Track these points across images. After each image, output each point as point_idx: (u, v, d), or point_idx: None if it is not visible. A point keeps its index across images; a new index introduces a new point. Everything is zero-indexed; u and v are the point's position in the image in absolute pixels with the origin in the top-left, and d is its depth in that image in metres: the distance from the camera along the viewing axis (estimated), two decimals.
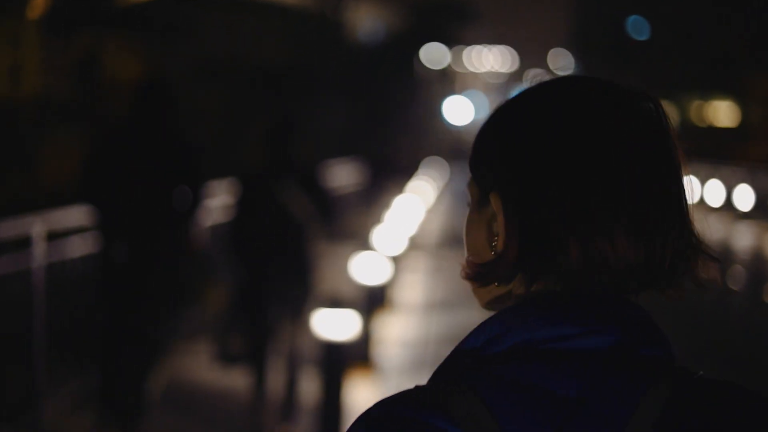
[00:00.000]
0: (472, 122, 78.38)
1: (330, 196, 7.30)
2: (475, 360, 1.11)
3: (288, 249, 6.58)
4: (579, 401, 1.06)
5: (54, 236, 7.01)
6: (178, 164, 5.98)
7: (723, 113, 69.76)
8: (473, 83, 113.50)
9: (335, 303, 5.87)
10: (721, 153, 50.93)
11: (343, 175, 22.28)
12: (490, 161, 1.17)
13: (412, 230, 15.61)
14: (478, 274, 1.17)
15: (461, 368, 1.11)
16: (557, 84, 1.17)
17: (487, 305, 1.20)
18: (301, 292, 6.65)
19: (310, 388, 6.92)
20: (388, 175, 29.08)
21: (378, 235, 11.28)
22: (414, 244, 16.11)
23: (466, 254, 1.20)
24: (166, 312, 5.99)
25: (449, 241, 19.67)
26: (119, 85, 25.58)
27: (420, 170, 36.72)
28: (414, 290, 12.71)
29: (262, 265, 6.45)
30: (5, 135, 20.96)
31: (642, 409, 1.06)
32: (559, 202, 1.10)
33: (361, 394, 7.55)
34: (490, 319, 1.14)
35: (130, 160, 5.88)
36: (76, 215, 7.18)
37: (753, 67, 61.99)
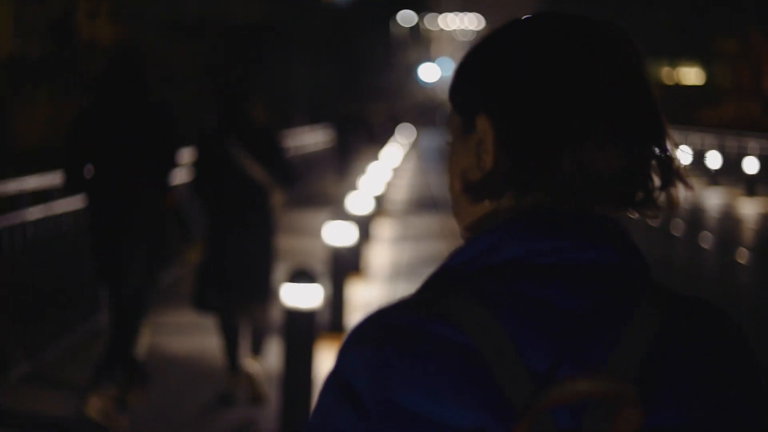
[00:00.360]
0: (441, 80, 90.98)
1: (290, 161, 7.19)
2: (468, 274, 1.13)
3: (246, 211, 6.58)
4: (578, 315, 1.09)
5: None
6: (156, 125, 6.10)
7: (691, 78, 70.09)
8: (445, 48, 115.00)
9: (302, 274, 5.77)
10: (690, 117, 51.31)
11: (313, 139, 22.43)
12: (476, 84, 1.19)
13: (379, 191, 15.69)
14: (472, 189, 1.18)
15: (457, 281, 1.12)
16: (538, 14, 1.22)
17: (468, 228, 1.21)
18: (262, 256, 6.65)
19: (275, 358, 6.86)
20: (361, 139, 29.00)
21: (349, 199, 11.52)
22: (381, 205, 16.21)
23: (451, 185, 1.23)
24: (152, 270, 6.16)
25: (418, 202, 19.93)
26: (93, 45, 25.54)
27: (395, 135, 36.99)
28: (384, 255, 12.79)
29: (225, 226, 6.51)
30: None
31: (636, 325, 1.10)
32: (548, 113, 1.14)
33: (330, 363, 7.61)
34: (481, 234, 1.15)
35: (110, 124, 6.02)
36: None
37: (719, 30, 62.24)
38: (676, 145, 1.21)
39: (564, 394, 1.02)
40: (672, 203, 1.20)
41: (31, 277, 7.33)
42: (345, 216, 9.26)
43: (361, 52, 42.26)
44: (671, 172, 1.19)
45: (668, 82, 69.87)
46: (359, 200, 11.55)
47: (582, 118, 1.14)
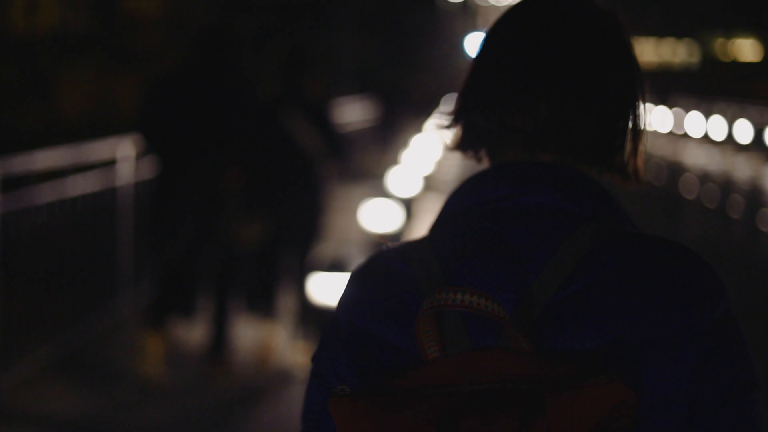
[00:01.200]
0: None
1: (341, 135, 7.24)
2: (446, 216, 1.37)
3: (298, 183, 6.66)
4: (509, 249, 1.27)
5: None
6: (239, 102, 6.19)
7: (746, 50, 68.83)
8: (492, 20, 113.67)
9: (336, 266, 5.67)
10: (746, 91, 50.25)
11: (357, 112, 21.92)
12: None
13: (428, 170, 15.10)
14: (453, 144, 1.43)
15: (437, 223, 1.38)
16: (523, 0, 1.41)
17: None
18: (310, 230, 6.75)
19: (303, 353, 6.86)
20: (405, 112, 28.73)
21: (393, 177, 11.00)
22: (429, 185, 15.90)
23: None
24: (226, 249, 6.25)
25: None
26: (138, 19, 25.44)
27: (441, 106, 36.47)
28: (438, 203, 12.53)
29: (273, 202, 6.54)
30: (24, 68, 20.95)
31: (561, 251, 1.25)
32: (496, 72, 1.35)
33: None
34: (457, 186, 1.40)
35: (191, 98, 6.12)
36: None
37: None
38: (636, 116, 1.35)
39: (446, 300, 1.17)
40: (635, 174, 1.36)
41: (71, 252, 7.30)
42: (388, 193, 8.81)
43: (407, 23, 41.84)
44: (636, 142, 1.35)
45: (723, 56, 68.86)
46: (403, 176, 10.95)
47: (510, 85, 1.31)
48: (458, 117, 1.41)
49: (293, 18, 28.97)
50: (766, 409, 1.24)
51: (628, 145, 1.37)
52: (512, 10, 1.39)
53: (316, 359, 1.38)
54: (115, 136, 7.62)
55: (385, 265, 1.34)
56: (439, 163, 19.24)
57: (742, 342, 1.22)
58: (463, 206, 1.35)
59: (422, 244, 1.33)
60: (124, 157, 7.71)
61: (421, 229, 12.43)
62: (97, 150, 7.52)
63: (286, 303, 7.33)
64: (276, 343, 6.72)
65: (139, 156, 7.65)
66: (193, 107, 6.11)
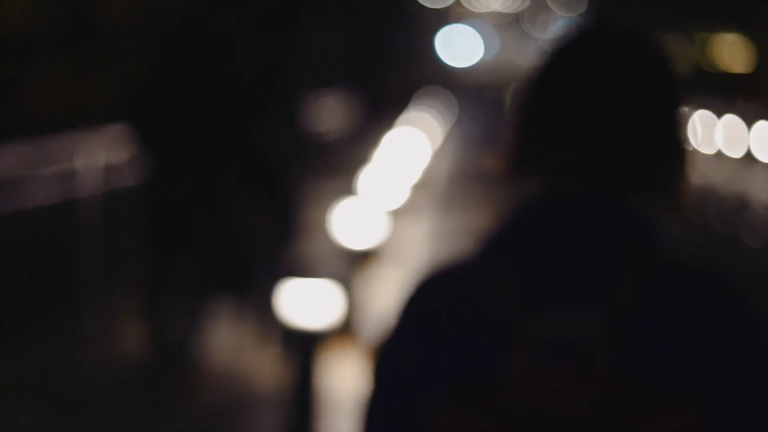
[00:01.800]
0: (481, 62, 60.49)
1: (316, 132, 7.38)
2: (501, 240, 1.43)
3: (265, 188, 6.74)
4: (575, 273, 1.37)
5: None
6: (225, 97, 6.27)
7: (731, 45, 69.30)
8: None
9: (306, 272, 5.41)
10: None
11: (330, 110, 21.48)
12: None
13: (414, 176, 13.69)
14: (502, 172, 1.48)
15: (493, 246, 1.42)
16: (576, 35, 1.49)
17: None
18: (283, 230, 6.86)
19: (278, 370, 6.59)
20: (381, 109, 28.59)
21: (366, 181, 9.74)
22: (416, 193, 13.87)
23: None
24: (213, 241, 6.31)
25: (457, 175, 18.69)
26: (110, 17, 25.27)
27: (416, 101, 36.18)
28: (411, 252, 10.88)
29: (244, 201, 6.62)
30: None
31: (625, 283, 1.34)
32: (543, 110, 1.45)
33: (339, 375, 6.34)
34: (511, 211, 1.45)
35: (177, 94, 6.15)
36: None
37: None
38: (677, 141, 1.43)
39: (541, 328, 1.31)
40: (677, 193, 1.43)
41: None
42: (362, 199, 8.15)
43: (381, 18, 41.72)
44: (673, 167, 1.43)
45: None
46: (379, 180, 9.95)
47: (565, 116, 1.42)
48: (517, 148, 1.48)
49: (265, 16, 28.81)
50: None
51: (676, 176, 1.45)
52: (568, 45, 1.48)
53: (379, 379, 1.43)
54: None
55: (453, 285, 1.41)
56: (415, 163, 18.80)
57: None
58: (528, 232, 1.42)
59: (494, 270, 1.39)
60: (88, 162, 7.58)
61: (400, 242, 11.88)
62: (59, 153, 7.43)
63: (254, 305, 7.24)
64: (246, 345, 6.82)
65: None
66: (183, 105, 6.17)
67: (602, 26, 1.50)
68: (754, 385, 1.33)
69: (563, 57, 1.47)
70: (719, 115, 22.79)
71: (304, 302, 4.99)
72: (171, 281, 6.29)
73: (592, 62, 1.45)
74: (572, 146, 1.42)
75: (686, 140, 1.46)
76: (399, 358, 1.42)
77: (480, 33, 62.36)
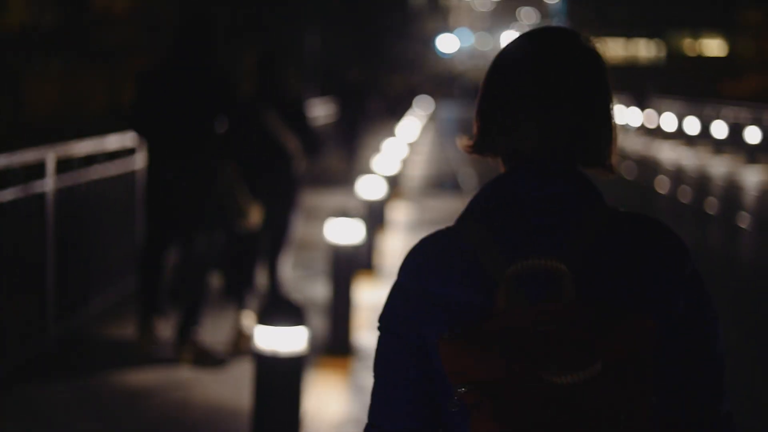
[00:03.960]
0: (459, 51, 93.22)
1: (317, 133, 7.49)
2: (479, 206, 1.74)
3: (275, 174, 6.98)
4: (543, 225, 1.69)
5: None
6: (216, 94, 6.46)
7: (713, 50, 69.28)
8: (463, 18, 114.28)
9: (346, 214, 6.77)
10: (712, 90, 50.71)
11: (322, 112, 21.33)
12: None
13: (394, 170, 14.37)
14: (472, 148, 1.81)
15: (473, 211, 1.73)
16: (527, 35, 1.80)
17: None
18: (284, 224, 7.07)
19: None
20: (373, 113, 28.56)
21: (363, 186, 10.88)
22: (396, 188, 15.46)
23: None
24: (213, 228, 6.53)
25: (437, 180, 19.47)
26: (107, 16, 25.31)
27: (413, 107, 36.45)
28: (398, 246, 11.86)
29: (254, 190, 6.82)
30: None
31: (582, 229, 1.68)
32: (502, 97, 1.76)
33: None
34: (488, 182, 1.76)
35: (174, 91, 6.39)
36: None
37: (742, 1, 61.40)
38: (609, 122, 1.77)
39: (521, 268, 1.61)
40: (610, 169, 1.79)
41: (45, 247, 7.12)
42: (351, 212, 7.69)
43: (377, 21, 41.82)
44: (608, 145, 1.77)
45: (690, 53, 69.38)
46: (371, 183, 10.59)
47: (522, 105, 1.73)
48: (481, 132, 1.79)
49: (261, 14, 28.88)
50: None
51: (609, 148, 1.78)
52: (520, 43, 1.79)
53: (386, 320, 1.73)
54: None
55: (443, 242, 1.73)
56: (405, 162, 19.01)
57: (706, 286, 1.74)
58: (499, 198, 1.73)
59: (474, 228, 1.71)
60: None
61: (389, 235, 12.38)
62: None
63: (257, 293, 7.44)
64: (250, 330, 6.77)
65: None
66: (179, 100, 6.39)
67: (550, 28, 1.80)
68: (688, 304, 1.71)
69: (523, 54, 1.77)
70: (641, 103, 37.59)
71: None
72: (164, 260, 6.61)
73: (543, 58, 1.74)
74: (532, 128, 1.72)
75: (615, 120, 1.80)
76: (405, 304, 1.71)
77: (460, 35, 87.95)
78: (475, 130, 1.80)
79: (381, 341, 1.75)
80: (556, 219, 1.70)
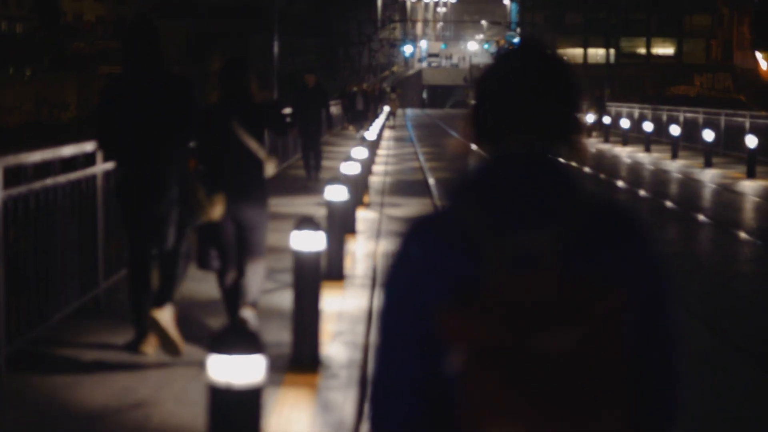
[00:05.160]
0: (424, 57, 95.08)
1: (285, 134, 7.75)
2: (469, 187, 1.95)
3: (244, 180, 7.08)
4: (525, 207, 1.90)
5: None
6: (177, 97, 6.57)
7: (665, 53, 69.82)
8: (428, 26, 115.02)
9: (306, 222, 6.48)
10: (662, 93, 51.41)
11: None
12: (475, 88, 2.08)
13: (359, 177, 14.15)
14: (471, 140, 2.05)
15: (463, 191, 1.95)
16: (502, 53, 2.07)
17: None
18: (257, 222, 7.16)
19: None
20: (337, 118, 28.36)
21: (331, 192, 10.35)
22: (360, 195, 14.92)
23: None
24: (180, 230, 6.70)
25: (406, 187, 19.29)
26: (78, 23, 25.08)
27: (380, 114, 36.26)
28: (366, 254, 11.42)
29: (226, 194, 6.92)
30: None
31: (563, 215, 1.89)
32: (491, 105, 2.01)
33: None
34: (476, 167, 1.98)
35: (133, 94, 6.50)
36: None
37: (691, 7, 62.13)
38: (578, 120, 2.01)
39: (509, 243, 1.84)
40: (577, 155, 2.00)
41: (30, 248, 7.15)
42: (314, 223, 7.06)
43: (343, 28, 41.73)
44: (576, 136, 2.01)
45: (641, 59, 70.01)
46: (337, 189, 9.96)
47: (508, 110, 1.99)
48: (476, 133, 2.03)
49: (233, 23, 28.74)
50: None
51: (579, 141, 2.03)
52: (498, 61, 2.06)
53: (390, 286, 1.93)
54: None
55: (442, 220, 1.94)
56: (371, 171, 18.69)
57: (667, 271, 1.97)
58: (492, 182, 1.94)
59: (469, 208, 1.91)
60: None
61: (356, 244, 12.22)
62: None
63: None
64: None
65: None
66: (137, 106, 6.48)
67: (526, 45, 2.06)
68: (652, 281, 1.93)
69: (503, 62, 2.04)
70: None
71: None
72: (143, 257, 6.74)
73: (524, 65, 2.02)
74: (514, 123, 1.98)
75: (583, 117, 2.04)
76: (408, 273, 1.91)
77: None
78: (471, 130, 2.04)
79: (385, 305, 1.94)
80: (539, 202, 1.91)
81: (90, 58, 23.09)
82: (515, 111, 1.99)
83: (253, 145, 7.06)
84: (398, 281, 1.92)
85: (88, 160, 7.97)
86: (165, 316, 6.51)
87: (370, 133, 20.24)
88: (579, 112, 2.03)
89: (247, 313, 7.11)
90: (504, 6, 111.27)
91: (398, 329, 1.91)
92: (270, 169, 7.19)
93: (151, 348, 6.62)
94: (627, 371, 1.84)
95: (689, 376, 2.03)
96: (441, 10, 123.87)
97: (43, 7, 22.41)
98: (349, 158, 12.66)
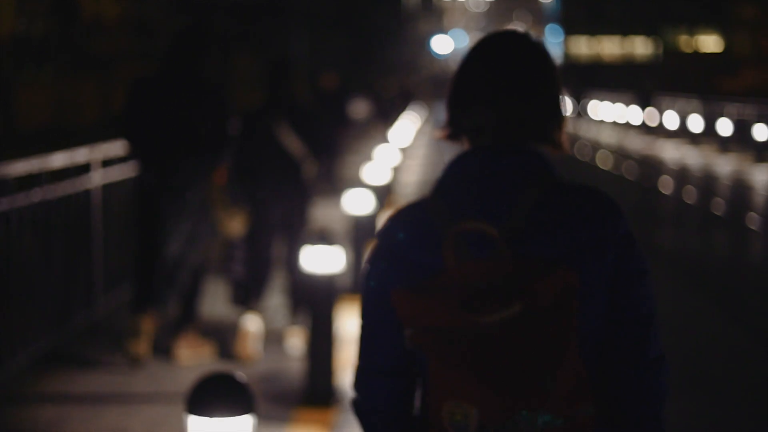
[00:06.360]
0: (454, 52, 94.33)
1: (327, 140, 7.74)
2: (445, 181, 2.03)
3: (285, 183, 7.02)
4: (491, 194, 1.99)
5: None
6: (208, 104, 6.54)
7: (710, 46, 68.95)
8: (458, 19, 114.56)
9: (324, 238, 6.01)
10: (709, 85, 50.48)
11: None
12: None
13: (385, 179, 13.41)
14: (446, 137, 2.13)
15: (440, 185, 2.04)
16: (484, 37, 2.14)
17: None
18: (297, 224, 7.08)
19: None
20: (373, 117, 28.13)
21: (366, 172, 11.13)
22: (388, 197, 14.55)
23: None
24: (194, 239, 6.62)
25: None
26: (98, 23, 24.87)
27: (407, 110, 35.90)
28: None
29: (264, 198, 6.95)
30: None
31: (524, 195, 1.97)
32: (461, 91, 2.08)
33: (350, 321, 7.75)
34: (450, 162, 2.05)
35: (165, 100, 6.47)
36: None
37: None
38: (557, 108, 2.09)
39: (459, 230, 1.91)
40: (556, 145, 2.09)
41: (37, 258, 7.10)
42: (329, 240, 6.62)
43: (371, 24, 41.39)
44: (558, 125, 2.08)
45: (687, 50, 69.09)
46: (359, 196, 9.74)
47: (480, 94, 2.05)
48: (450, 120, 2.09)
49: (255, 21, 28.51)
50: None
51: (559, 128, 2.08)
52: (478, 44, 2.11)
53: (367, 275, 2.04)
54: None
55: (411, 213, 2.03)
56: (398, 169, 18.25)
57: (638, 245, 2.01)
58: (457, 173, 2.02)
59: (434, 199, 2.01)
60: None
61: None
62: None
63: (279, 291, 7.61)
64: (253, 334, 6.77)
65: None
66: (168, 107, 6.46)
67: (502, 32, 2.12)
68: (618, 259, 1.98)
69: (480, 52, 2.10)
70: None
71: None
72: (156, 265, 6.60)
73: (502, 54, 2.07)
74: (489, 114, 2.03)
75: (563, 106, 2.09)
76: (380, 262, 2.03)
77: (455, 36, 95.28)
78: (446, 119, 2.11)
79: (363, 292, 2.05)
80: (504, 187, 1.98)
81: (110, 59, 22.87)
82: (488, 95, 2.03)
83: (296, 146, 7.00)
84: (373, 269, 2.04)
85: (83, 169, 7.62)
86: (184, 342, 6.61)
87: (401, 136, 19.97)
88: (557, 97, 2.07)
89: (294, 341, 6.98)
90: (538, 3, 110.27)
91: (375, 315, 2.03)
92: (311, 171, 7.14)
93: (142, 350, 6.47)
94: (584, 349, 1.92)
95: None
96: (475, 10, 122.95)
97: (62, 7, 22.16)
98: (375, 163, 12.33)
